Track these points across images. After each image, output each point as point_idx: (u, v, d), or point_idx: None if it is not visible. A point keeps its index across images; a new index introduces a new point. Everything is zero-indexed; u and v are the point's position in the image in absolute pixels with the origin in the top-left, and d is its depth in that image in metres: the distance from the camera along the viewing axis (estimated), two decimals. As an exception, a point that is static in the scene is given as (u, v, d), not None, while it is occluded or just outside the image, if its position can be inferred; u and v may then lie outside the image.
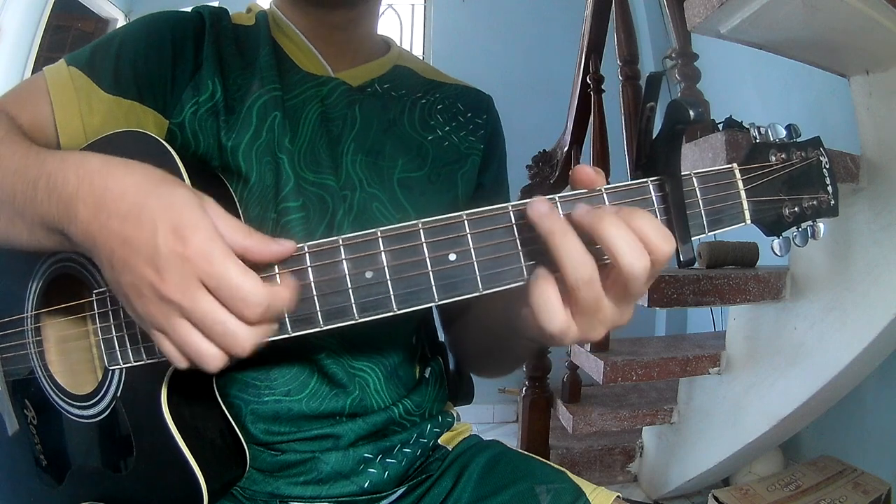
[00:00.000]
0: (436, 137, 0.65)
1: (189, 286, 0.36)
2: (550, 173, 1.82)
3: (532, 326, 0.39)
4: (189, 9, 0.60)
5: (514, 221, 0.39)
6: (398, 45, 0.72)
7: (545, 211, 0.37)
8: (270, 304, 0.37)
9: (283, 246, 0.38)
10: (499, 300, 0.50)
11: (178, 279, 0.36)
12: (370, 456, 0.58)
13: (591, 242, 0.37)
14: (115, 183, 0.38)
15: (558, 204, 0.40)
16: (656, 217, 0.40)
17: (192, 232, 0.36)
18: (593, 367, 1.49)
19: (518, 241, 0.39)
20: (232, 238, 0.37)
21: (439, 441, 0.65)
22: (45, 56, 2.37)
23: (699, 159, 1.13)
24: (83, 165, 0.39)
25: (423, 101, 0.67)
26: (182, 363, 0.39)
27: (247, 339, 0.37)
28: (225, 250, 0.36)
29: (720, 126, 1.31)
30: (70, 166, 0.40)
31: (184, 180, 0.45)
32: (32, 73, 2.26)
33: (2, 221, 0.44)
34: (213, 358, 0.38)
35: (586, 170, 0.40)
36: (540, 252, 0.39)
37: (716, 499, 1.46)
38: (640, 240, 0.36)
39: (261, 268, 0.39)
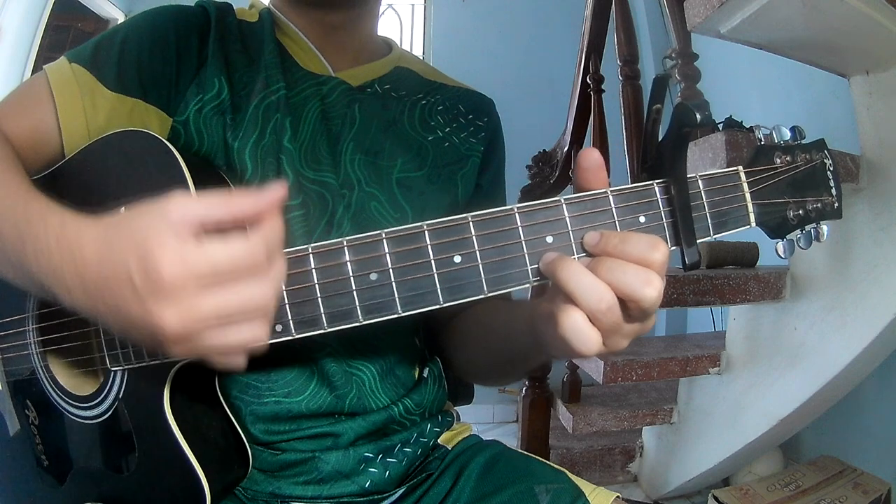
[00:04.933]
0: (436, 138, 0.65)
1: (188, 309, 0.33)
2: (550, 173, 1.82)
3: (563, 349, 0.39)
4: (193, 2, 0.60)
5: (519, 224, 0.39)
6: (399, 46, 0.72)
7: (550, 258, 0.39)
8: (266, 239, 0.34)
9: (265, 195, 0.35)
10: (521, 322, 0.50)
11: (174, 311, 0.32)
12: (371, 455, 0.58)
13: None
14: (87, 244, 0.35)
15: (563, 206, 0.40)
16: (660, 217, 0.41)
17: (161, 253, 0.32)
18: (593, 367, 1.49)
19: (523, 243, 0.39)
20: (208, 214, 0.34)
21: (439, 441, 0.65)
22: (45, 56, 2.37)
23: (699, 159, 1.13)
24: (63, 234, 0.37)
25: (424, 101, 0.67)
26: (239, 358, 0.36)
27: (269, 284, 0.35)
28: (197, 251, 0.33)
29: (720, 126, 1.31)
30: (51, 231, 0.37)
31: (186, 179, 0.45)
32: (32, 72, 2.26)
33: None
34: (255, 331, 0.35)
35: (593, 155, 0.41)
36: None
37: (716, 499, 1.46)
38: (640, 265, 0.36)
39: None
